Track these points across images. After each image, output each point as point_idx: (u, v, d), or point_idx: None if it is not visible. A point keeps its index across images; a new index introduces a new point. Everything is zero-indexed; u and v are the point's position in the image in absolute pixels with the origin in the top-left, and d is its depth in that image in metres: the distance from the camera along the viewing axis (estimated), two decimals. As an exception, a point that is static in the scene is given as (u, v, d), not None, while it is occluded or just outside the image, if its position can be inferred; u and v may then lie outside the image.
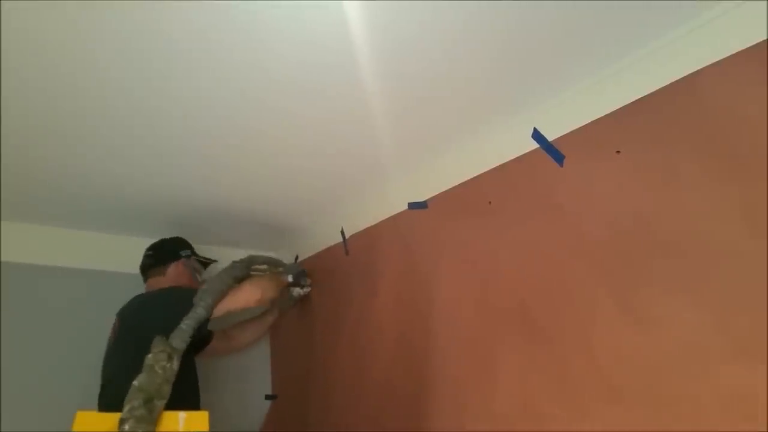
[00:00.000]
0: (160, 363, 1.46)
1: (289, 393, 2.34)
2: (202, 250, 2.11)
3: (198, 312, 1.64)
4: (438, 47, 1.15)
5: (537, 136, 1.38)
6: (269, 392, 2.44)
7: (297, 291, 2.24)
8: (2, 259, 1.97)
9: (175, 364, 1.50)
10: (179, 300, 1.69)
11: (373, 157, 1.66)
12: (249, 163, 1.68)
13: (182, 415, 1.47)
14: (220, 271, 1.87)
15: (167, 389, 1.45)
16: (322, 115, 1.40)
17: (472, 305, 1.52)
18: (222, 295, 1.74)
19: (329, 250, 2.22)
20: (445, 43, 1.14)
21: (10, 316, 1.94)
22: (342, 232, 2.10)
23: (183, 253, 2.00)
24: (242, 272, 1.91)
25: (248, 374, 2.43)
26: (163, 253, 1.98)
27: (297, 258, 2.39)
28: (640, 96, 1.19)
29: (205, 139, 1.51)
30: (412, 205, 1.77)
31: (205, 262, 2.13)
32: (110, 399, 1.47)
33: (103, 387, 1.61)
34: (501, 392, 1.38)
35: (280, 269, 2.13)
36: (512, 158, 1.47)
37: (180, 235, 2.08)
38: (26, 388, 1.90)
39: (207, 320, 1.68)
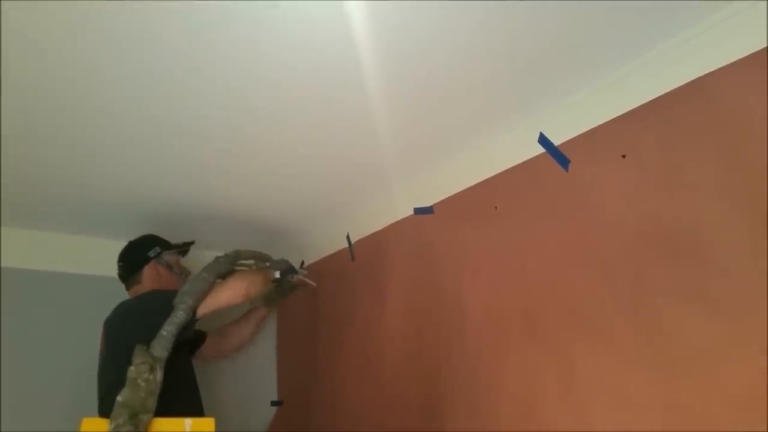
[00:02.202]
0: (143, 375, 1.43)
1: (295, 399, 2.33)
2: (207, 255, 2.09)
3: (178, 316, 1.57)
4: (444, 52, 1.15)
5: (543, 140, 1.37)
6: (275, 398, 2.43)
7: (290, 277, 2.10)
8: (2, 265, 1.98)
9: (159, 375, 1.46)
10: (160, 305, 1.62)
11: (378, 161, 1.66)
12: (251, 168, 1.68)
13: (188, 421, 1.47)
14: (203, 267, 1.78)
15: (152, 402, 1.42)
16: (326, 120, 1.40)
17: (479, 310, 1.51)
18: (204, 295, 1.66)
19: (335, 256, 2.22)
20: (451, 47, 1.13)
21: (10, 322, 1.95)
22: (348, 238, 2.09)
23: (151, 253, 1.88)
24: (226, 267, 1.83)
25: (254, 380, 2.42)
26: (132, 261, 1.88)
27: (303, 263, 2.38)
28: (646, 100, 1.18)
29: (206, 146, 1.52)
30: (418, 210, 1.77)
31: (183, 249, 2.02)
32: (110, 411, 1.45)
33: (101, 399, 1.59)
34: (508, 398, 1.37)
35: (267, 264, 2.03)
36: (518, 163, 1.47)
37: (186, 239, 2.04)
38: (27, 393, 1.91)
39: (191, 322, 1.62)
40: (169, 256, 1.92)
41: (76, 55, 1.12)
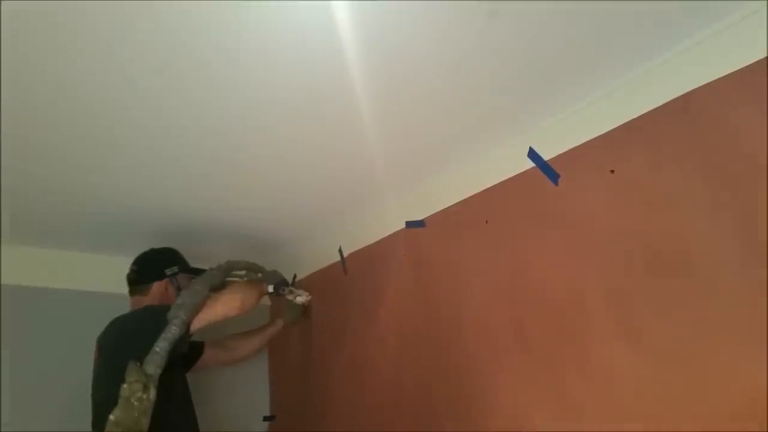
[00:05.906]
0: (136, 394, 1.39)
1: (288, 414, 2.31)
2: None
3: (172, 331, 1.53)
4: (436, 69, 1.16)
5: (533, 155, 1.38)
6: (267, 413, 2.42)
7: (300, 299, 2.15)
8: (2, 282, 1.95)
9: (152, 394, 1.43)
10: (154, 320, 1.58)
11: (370, 175, 1.67)
12: (242, 180, 1.67)
13: (177, 437, 1.46)
14: (195, 280, 1.75)
15: (145, 422, 1.39)
16: (318, 133, 1.40)
17: (470, 322, 1.51)
18: (198, 308, 1.63)
19: (327, 269, 2.21)
20: (443, 64, 1.14)
21: (10, 338, 1.93)
22: (340, 251, 2.09)
23: (168, 271, 1.87)
24: (220, 280, 1.80)
25: (246, 395, 2.40)
26: (148, 271, 1.86)
27: (295, 277, 2.38)
28: (635, 116, 1.19)
29: (197, 157, 1.51)
30: (410, 224, 1.77)
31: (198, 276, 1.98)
32: (103, 429, 1.43)
33: (94, 416, 1.56)
34: (500, 410, 1.37)
35: (260, 275, 2.01)
36: (508, 177, 1.48)
37: (179, 249, 2.01)
38: (28, 408, 1.89)
39: (185, 337, 1.58)
40: (182, 279, 1.89)
41: (71, 61, 1.10)
